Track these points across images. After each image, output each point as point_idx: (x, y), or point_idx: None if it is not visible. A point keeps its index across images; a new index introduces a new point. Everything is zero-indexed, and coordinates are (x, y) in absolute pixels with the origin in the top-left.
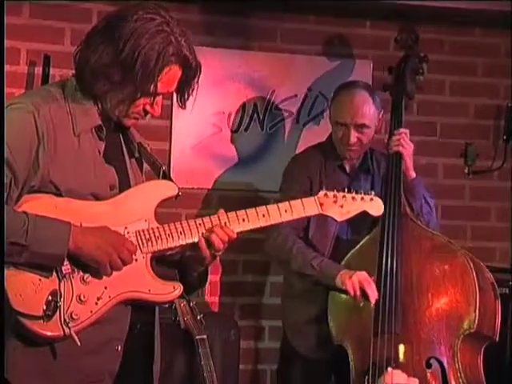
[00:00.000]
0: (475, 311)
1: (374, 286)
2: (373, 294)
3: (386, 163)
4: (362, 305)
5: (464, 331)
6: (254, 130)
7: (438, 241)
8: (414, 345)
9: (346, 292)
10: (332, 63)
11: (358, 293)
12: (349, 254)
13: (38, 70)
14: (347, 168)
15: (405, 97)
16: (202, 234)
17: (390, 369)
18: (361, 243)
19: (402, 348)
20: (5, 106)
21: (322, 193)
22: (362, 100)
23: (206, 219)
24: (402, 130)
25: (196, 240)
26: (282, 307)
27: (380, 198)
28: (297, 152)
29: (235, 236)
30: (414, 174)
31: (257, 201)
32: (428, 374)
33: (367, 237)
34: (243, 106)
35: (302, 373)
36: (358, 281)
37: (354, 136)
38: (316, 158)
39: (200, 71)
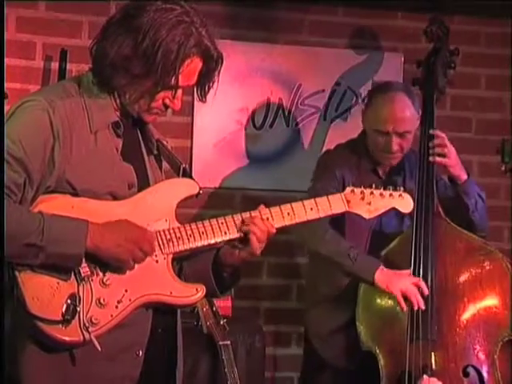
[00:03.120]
0: None
1: (419, 295)
2: (420, 304)
3: (419, 165)
4: (399, 310)
5: (503, 338)
6: (279, 127)
7: (474, 242)
8: (449, 352)
9: (379, 290)
10: (361, 56)
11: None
12: (382, 254)
13: (55, 65)
14: (380, 172)
15: (436, 92)
16: (242, 228)
17: (425, 376)
18: (393, 243)
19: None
20: (4, 103)
21: (348, 189)
22: (402, 105)
23: (229, 218)
24: (438, 134)
25: (218, 240)
26: (305, 314)
27: (410, 195)
28: (324, 149)
29: (274, 231)
30: (465, 176)
31: (282, 200)
32: (465, 383)
33: (399, 237)
34: (268, 101)
35: (328, 382)
36: (407, 289)
37: (396, 144)
38: (349, 158)
39: (222, 62)
